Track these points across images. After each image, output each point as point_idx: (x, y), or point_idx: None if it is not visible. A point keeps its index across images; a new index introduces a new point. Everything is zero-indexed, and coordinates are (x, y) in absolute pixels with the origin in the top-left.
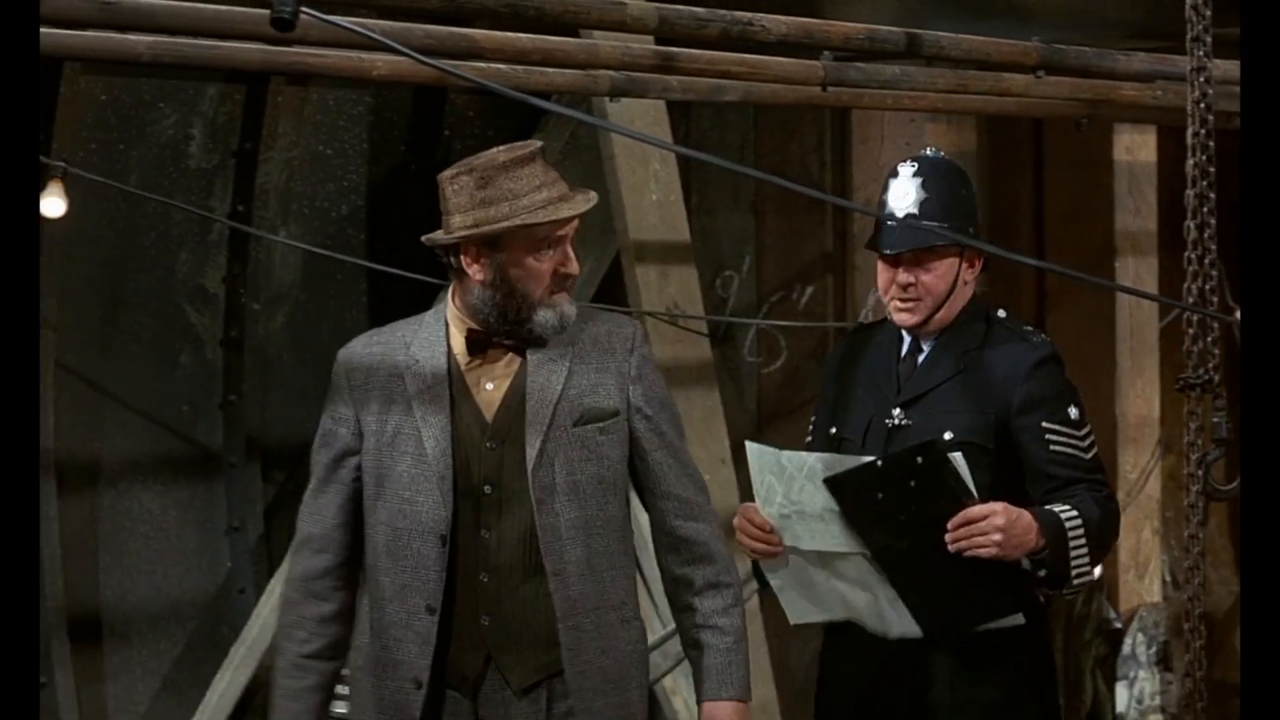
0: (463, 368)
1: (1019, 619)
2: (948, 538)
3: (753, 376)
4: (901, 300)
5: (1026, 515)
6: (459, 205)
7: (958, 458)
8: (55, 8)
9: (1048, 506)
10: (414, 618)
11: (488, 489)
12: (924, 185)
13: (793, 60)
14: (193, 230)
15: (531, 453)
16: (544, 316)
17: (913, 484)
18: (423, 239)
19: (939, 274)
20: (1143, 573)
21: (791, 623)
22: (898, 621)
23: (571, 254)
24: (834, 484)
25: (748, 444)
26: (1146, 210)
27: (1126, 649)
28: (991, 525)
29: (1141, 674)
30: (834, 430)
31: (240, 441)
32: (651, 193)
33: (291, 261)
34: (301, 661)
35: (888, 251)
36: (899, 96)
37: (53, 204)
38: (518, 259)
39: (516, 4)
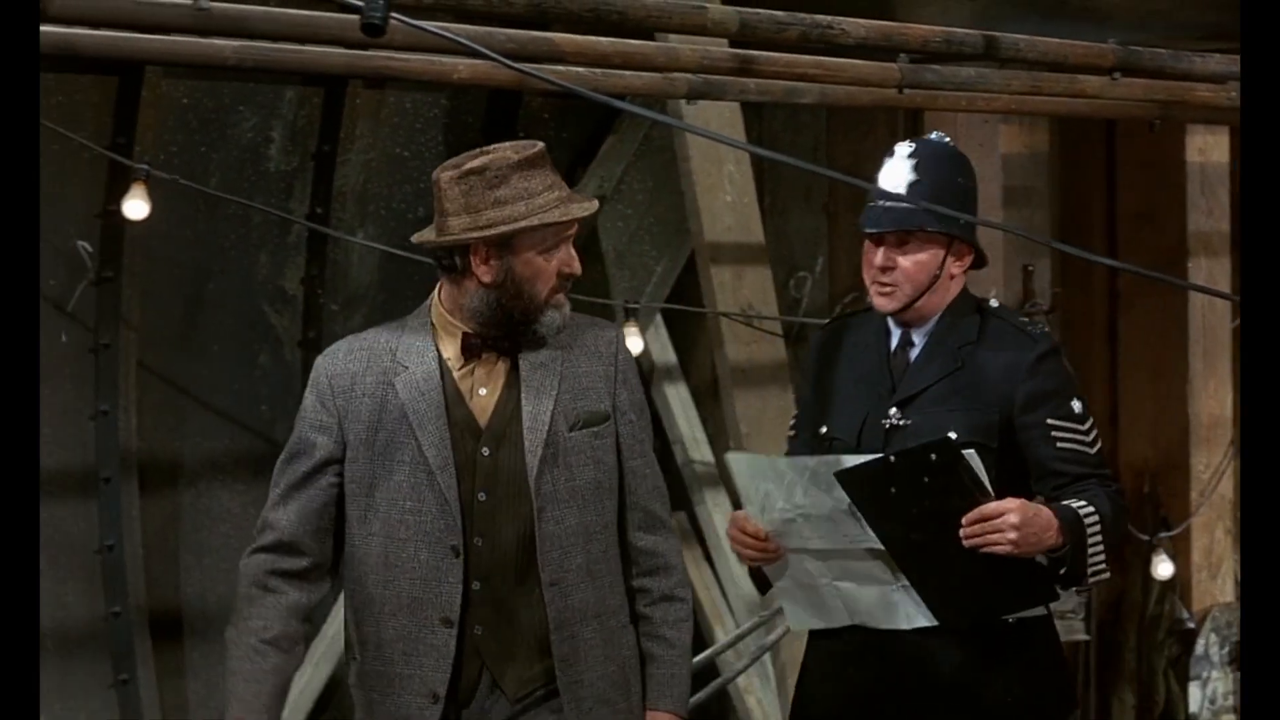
0: (455, 374)
1: (1040, 611)
2: (962, 533)
3: None
4: (879, 284)
5: (1045, 512)
6: (468, 205)
7: (972, 455)
8: (147, 13)
9: (1065, 502)
10: (426, 631)
11: (481, 496)
12: (917, 168)
13: (869, 63)
14: (272, 232)
15: (533, 460)
16: (550, 317)
17: (926, 480)
18: (414, 239)
19: (919, 261)
20: (1215, 573)
21: (792, 629)
22: (913, 612)
23: (574, 254)
24: (846, 477)
25: (729, 455)
26: (1219, 211)
27: (1199, 649)
28: (1007, 522)
29: (1214, 674)
30: (824, 430)
31: None
32: (726, 194)
33: (369, 263)
34: (260, 646)
35: (869, 230)
36: (973, 98)
37: (135, 206)
38: (528, 259)
39: (599, 8)
